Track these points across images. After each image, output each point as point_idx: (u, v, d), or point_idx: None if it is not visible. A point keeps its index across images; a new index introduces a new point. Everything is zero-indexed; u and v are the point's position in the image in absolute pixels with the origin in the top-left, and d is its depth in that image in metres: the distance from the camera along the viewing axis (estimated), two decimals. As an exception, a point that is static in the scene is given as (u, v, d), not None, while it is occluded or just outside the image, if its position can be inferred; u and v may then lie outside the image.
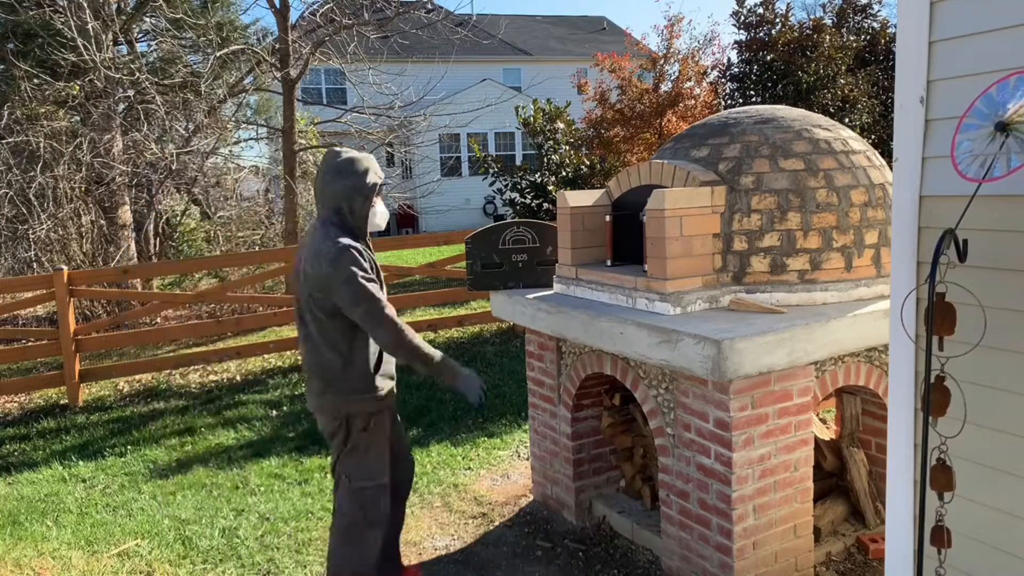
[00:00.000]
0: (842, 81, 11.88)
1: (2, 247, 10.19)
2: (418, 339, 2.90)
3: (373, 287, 2.80)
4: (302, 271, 2.89)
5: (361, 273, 2.77)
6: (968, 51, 2.07)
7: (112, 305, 9.67)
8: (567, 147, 12.05)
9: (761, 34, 12.96)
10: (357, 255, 2.79)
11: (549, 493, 4.23)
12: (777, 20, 12.94)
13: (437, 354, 2.97)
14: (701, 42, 14.15)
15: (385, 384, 3.04)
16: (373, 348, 2.98)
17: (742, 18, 13.19)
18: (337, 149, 3.00)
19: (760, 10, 13.06)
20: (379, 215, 3.04)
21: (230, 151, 12.84)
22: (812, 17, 13.15)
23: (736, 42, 13.32)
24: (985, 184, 1.94)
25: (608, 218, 3.87)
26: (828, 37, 12.11)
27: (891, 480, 2.37)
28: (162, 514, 4.47)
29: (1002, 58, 1.98)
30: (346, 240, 2.81)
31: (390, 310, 2.83)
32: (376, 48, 11.42)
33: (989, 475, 2.11)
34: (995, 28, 2.00)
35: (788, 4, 13.27)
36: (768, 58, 12.58)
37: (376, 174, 2.97)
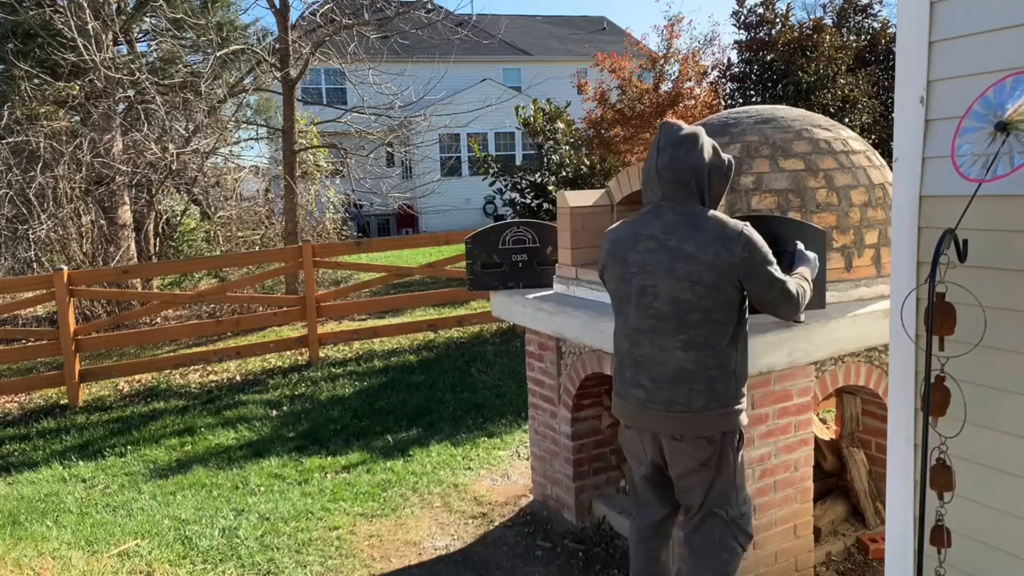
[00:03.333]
0: (842, 81, 11.87)
1: (2, 247, 10.18)
2: (808, 290, 2.55)
3: (776, 263, 2.47)
4: (675, 261, 2.42)
5: (770, 253, 2.46)
6: (968, 51, 2.07)
7: (112, 305, 9.67)
8: (567, 147, 12.04)
9: (761, 34, 12.96)
10: (759, 234, 2.46)
11: (549, 493, 4.23)
12: (777, 20, 12.94)
13: (810, 278, 2.61)
14: (701, 42, 14.14)
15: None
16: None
17: (742, 18, 13.20)
18: (675, 122, 2.58)
19: (760, 10, 13.06)
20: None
21: (230, 151, 12.84)
22: (812, 17, 13.15)
23: (736, 42, 13.32)
24: (985, 184, 1.94)
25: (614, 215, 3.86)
26: (828, 37, 12.10)
27: (891, 480, 2.37)
28: (162, 514, 4.47)
29: (1002, 58, 1.98)
30: (739, 221, 2.46)
31: (792, 282, 2.49)
32: (376, 48, 11.42)
33: (989, 475, 2.11)
34: (995, 28, 2.00)
35: (788, 4, 13.24)
36: (768, 58, 12.58)
37: (731, 162, 2.59)
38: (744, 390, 2.53)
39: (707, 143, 2.54)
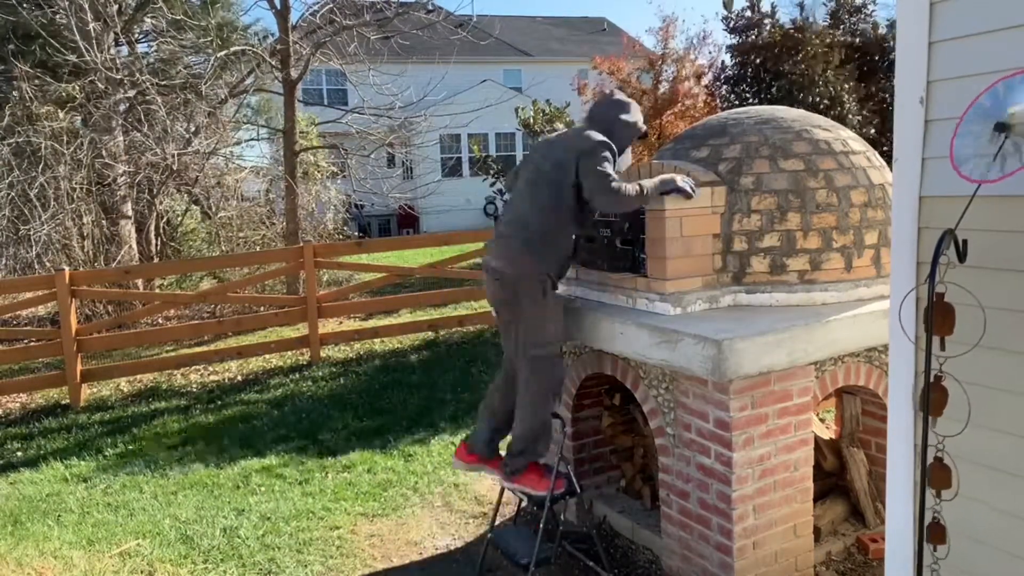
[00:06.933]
0: (831, 76, 11.84)
1: (4, 247, 10.18)
2: (632, 188, 3.18)
3: (610, 165, 3.26)
4: (552, 147, 3.39)
5: (608, 155, 3.25)
6: (968, 51, 2.08)
7: (114, 305, 9.68)
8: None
9: (751, 37, 13.01)
10: (611, 149, 3.29)
11: (550, 493, 4.23)
12: (765, 21, 12.97)
13: (646, 188, 3.20)
14: (695, 42, 14.15)
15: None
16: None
17: (731, 23, 13.25)
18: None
19: (748, 13, 13.10)
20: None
21: (230, 152, 12.83)
22: (797, 18, 13.18)
23: (729, 46, 13.36)
24: (985, 184, 1.94)
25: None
26: (813, 36, 12.08)
27: (891, 480, 2.38)
28: (163, 514, 4.48)
29: (1002, 58, 1.99)
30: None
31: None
32: (376, 49, 11.43)
33: (988, 475, 2.12)
34: (995, 28, 2.01)
35: (773, 5, 13.30)
36: (758, 60, 12.61)
37: (641, 127, 3.53)
38: (569, 258, 3.43)
39: (636, 117, 3.52)
